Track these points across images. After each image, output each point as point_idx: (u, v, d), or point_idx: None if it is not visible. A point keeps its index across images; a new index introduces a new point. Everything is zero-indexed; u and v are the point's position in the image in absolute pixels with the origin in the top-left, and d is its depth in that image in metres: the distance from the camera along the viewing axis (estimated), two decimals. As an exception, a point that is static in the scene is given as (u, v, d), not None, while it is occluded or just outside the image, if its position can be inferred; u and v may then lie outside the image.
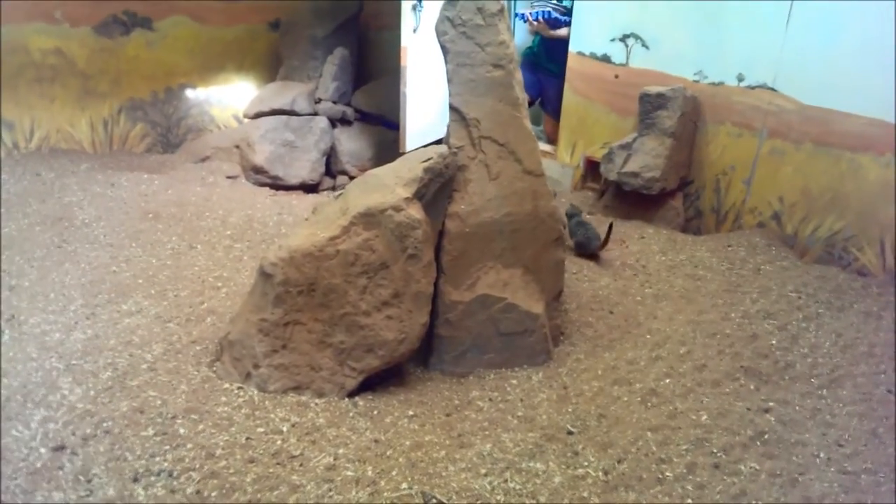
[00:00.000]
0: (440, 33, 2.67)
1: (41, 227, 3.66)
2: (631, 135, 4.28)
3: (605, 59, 4.59)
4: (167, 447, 2.14)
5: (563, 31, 4.82)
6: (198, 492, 1.99)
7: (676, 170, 4.20)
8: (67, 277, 3.17)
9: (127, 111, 5.15)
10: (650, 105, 4.13)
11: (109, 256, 3.41)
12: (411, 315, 2.50)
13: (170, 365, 2.59)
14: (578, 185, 4.94)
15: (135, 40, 5.07)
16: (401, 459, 2.20)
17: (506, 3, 4.22)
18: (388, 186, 2.50)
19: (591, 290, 3.35)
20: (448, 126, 2.73)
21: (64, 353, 2.58)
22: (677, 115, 4.06)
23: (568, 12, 4.77)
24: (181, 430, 2.23)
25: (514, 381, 2.68)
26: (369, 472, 2.13)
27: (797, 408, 2.49)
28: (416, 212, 2.46)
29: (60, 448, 2.11)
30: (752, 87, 3.93)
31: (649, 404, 2.50)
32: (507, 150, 2.69)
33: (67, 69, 4.82)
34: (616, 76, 4.57)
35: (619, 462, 2.19)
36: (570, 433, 2.36)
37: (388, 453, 2.22)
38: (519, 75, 2.76)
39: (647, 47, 4.38)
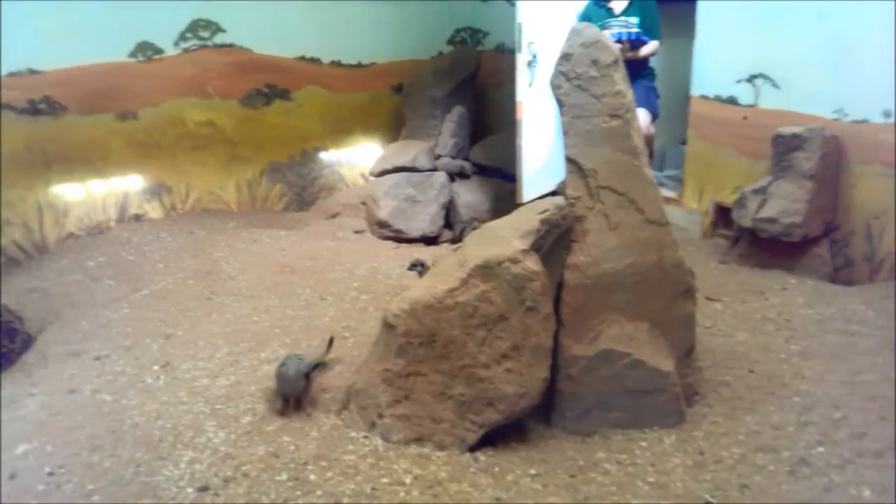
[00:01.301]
0: (555, 87, 2.71)
1: (193, 280, 4.05)
2: (765, 178, 4.03)
3: (732, 101, 4.41)
4: (299, 493, 2.24)
5: (646, 50, 4.57)
6: (325, 539, 2.05)
7: (820, 215, 3.88)
8: (214, 327, 3.46)
9: (268, 173, 5.63)
10: (785, 146, 3.88)
11: (251, 307, 3.69)
12: (531, 369, 2.47)
13: (302, 412, 2.72)
14: (709, 233, 4.70)
15: (275, 109, 5.58)
16: (523, 520, 2.14)
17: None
18: (504, 238, 2.52)
19: (728, 347, 3.13)
20: (565, 177, 2.72)
21: (210, 398, 2.80)
22: (817, 155, 3.78)
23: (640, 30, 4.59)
24: (311, 477, 2.31)
25: (644, 444, 2.54)
26: (490, 531, 2.08)
27: (982, 486, 2.14)
28: (532, 263, 2.45)
29: (205, 489, 2.26)
30: (903, 124, 3.59)
31: (799, 475, 2.26)
32: (627, 199, 2.63)
33: (217, 137, 5.38)
34: (745, 118, 4.36)
35: (764, 538, 1.98)
36: (708, 503, 2.18)
37: (509, 512, 2.17)
38: (636, 124, 2.72)
39: (777, 87, 4.15)
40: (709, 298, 3.62)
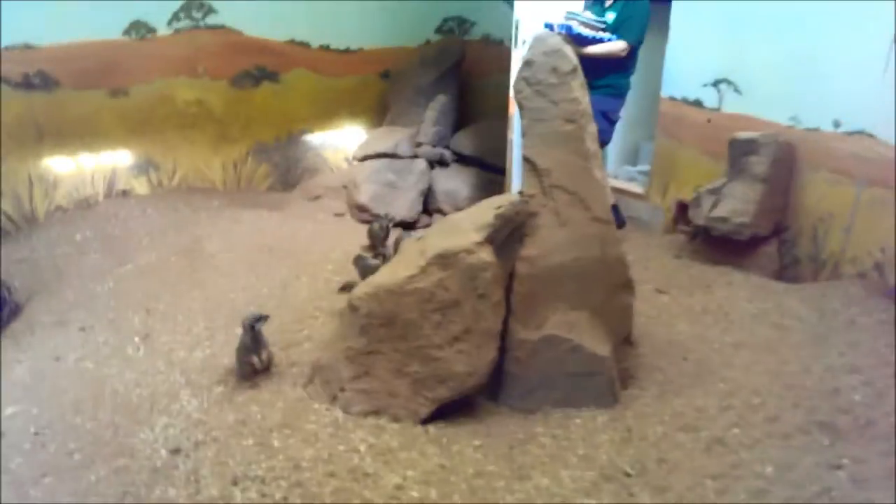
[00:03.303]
0: (517, 92, 2.91)
1: (176, 256, 4.25)
2: (720, 179, 4.26)
3: (697, 103, 4.62)
4: (262, 456, 2.48)
5: (593, 50, 4.19)
6: (284, 498, 2.29)
7: (770, 215, 4.12)
8: (194, 303, 3.67)
9: (253, 154, 5.80)
10: (740, 150, 4.11)
11: (229, 284, 3.90)
12: (480, 350, 2.71)
13: (271, 384, 2.95)
14: (670, 228, 4.94)
15: (263, 91, 5.73)
16: (463, 486, 2.39)
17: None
18: (462, 231, 2.74)
19: (667, 336, 3.38)
20: (522, 175, 2.94)
21: (186, 369, 3.03)
22: (769, 160, 4.01)
23: (605, 29, 4.26)
24: (275, 443, 2.55)
25: (579, 421, 2.79)
26: (433, 495, 2.33)
27: (872, 467, 2.40)
28: (486, 255, 2.68)
29: (176, 451, 2.50)
30: (850, 133, 3.82)
31: (713, 453, 2.52)
32: (577, 198, 2.85)
33: (206, 117, 5.53)
34: (708, 120, 4.57)
35: (671, 506, 2.24)
36: (627, 475, 2.44)
37: (451, 479, 2.42)
38: (592, 128, 2.93)
39: (739, 92, 4.37)
40: (658, 291, 3.86)
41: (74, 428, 2.64)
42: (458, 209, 4.94)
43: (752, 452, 2.51)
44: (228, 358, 3.09)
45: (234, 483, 2.34)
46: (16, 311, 3.96)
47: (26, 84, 4.73)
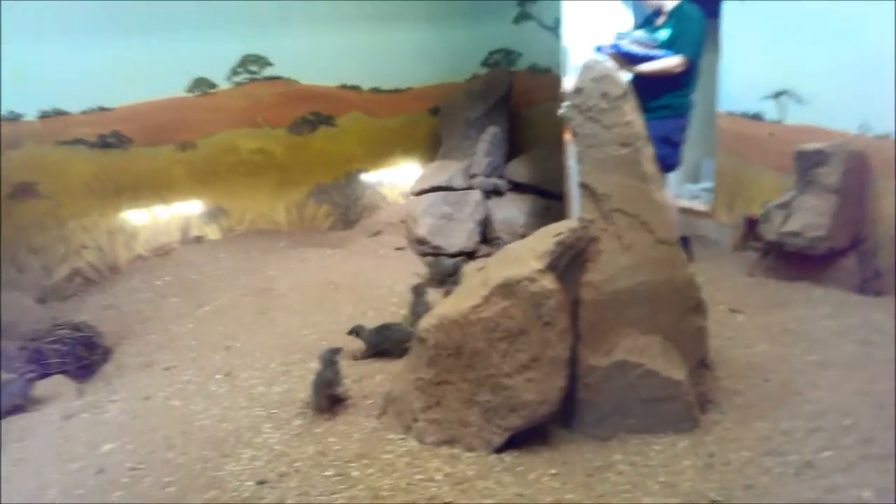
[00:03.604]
0: (568, 119, 2.95)
1: (249, 296, 4.44)
2: (788, 193, 4.14)
3: (757, 117, 4.53)
4: (343, 486, 2.53)
5: (647, 68, 4.11)
6: (366, 528, 2.33)
7: (846, 228, 3.97)
8: (269, 339, 3.81)
9: (315, 195, 6.02)
10: (808, 162, 4.00)
11: (300, 322, 4.04)
12: (549, 378, 2.70)
13: (347, 416, 3.03)
14: (739, 245, 4.82)
15: (320, 135, 5.98)
16: (541, 514, 2.36)
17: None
18: (523, 259, 2.77)
19: (746, 357, 3.28)
20: (580, 201, 2.95)
21: (266, 403, 3.15)
22: (840, 170, 3.88)
23: (659, 46, 4.18)
24: (354, 473, 2.61)
25: (658, 447, 2.72)
26: (512, 524, 2.32)
27: (981, 491, 2.25)
28: (549, 282, 2.69)
29: (262, 482, 2.59)
30: (924, 137, 3.66)
31: (804, 477, 2.40)
32: (639, 221, 2.84)
33: (268, 163, 5.80)
34: (771, 134, 4.47)
35: (762, 533, 2.16)
36: (714, 502, 2.36)
37: (529, 508, 2.40)
38: (648, 151, 2.92)
39: (801, 102, 4.27)
40: (732, 311, 3.76)
41: (167, 462, 2.76)
42: (517, 236, 4.99)
43: (848, 476, 2.38)
44: (304, 392, 3.18)
45: (317, 514, 2.40)
46: (106, 354, 4.21)
47: (102, 143, 5.09)
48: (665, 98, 4.16)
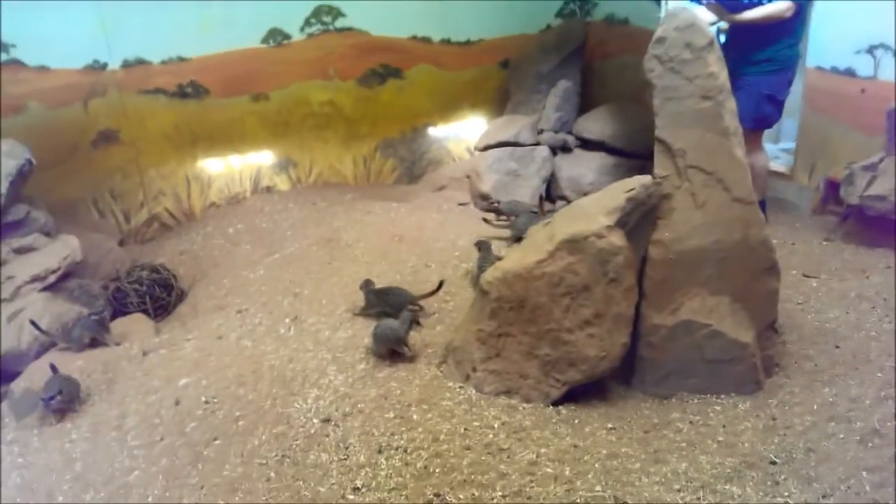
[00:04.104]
0: (647, 70, 2.84)
1: (317, 246, 4.56)
2: (877, 154, 3.89)
3: (849, 72, 4.24)
4: (403, 428, 2.63)
5: (751, 15, 3.66)
6: (425, 467, 2.42)
7: (936, 192, 3.71)
8: (335, 288, 3.93)
9: (381, 149, 6.07)
10: (901, 121, 3.73)
11: (365, 271, 4.12)
12: (611, 335, 2.69)
13: (408, 363, 3.12)
14: (818, 209, 4.59)
15: (388, 88, 5.97)
16: (597, 465, 2.40)
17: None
18: (591, 215, 2.73)
19: (817, 323, 3.17)
20: (654, 156, 2.87)
21: (331, 347, 3.27)
22: (936, 130, 3.61)
23: None
24: (414, 416, 2.70)
25: (718, 408, 2.70)
26: (567, 472, 2.36)
27: None
28: (617, 239, 2.65)
29: (327, 420, 2.72)
30: None
31: (869, 445, 2.34)
32: (715, 178, 2.74)
33: (337, 116, 5.86)
34: (862, 90, 4.19)
35: (823, 497, 2.12)
36: (773, 463, 2.33)
37: (585, 458, 2.44)
38: (731, 104, 2.79)
39: (899, 57, 3.96)
40: (806, 276, 3.61)
41: (238, 398, 2.93)
42: (583, 195, 4.89)
43: (917, 447, 2.30)
44: (368, 338, 3.28)
45: (380, 451, 2.51)
46: (181, 296, 4.46)
47: (181, 93, 5.26)
48: (771, 50, 3.75)
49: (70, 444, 2.80)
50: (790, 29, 3.75)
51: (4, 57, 4.63)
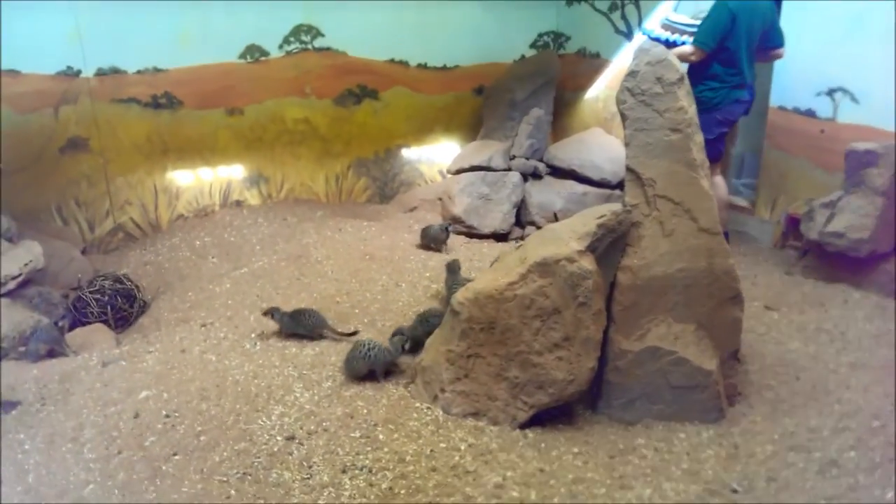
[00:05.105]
0: (620, 102, 2.92)
1: (286, 262, 4.52)
2: (836, 192, 4.05)
3: (810, 113, 4.43)
4: (369, 448, 2.60)
5: (681, 51, 3.97)
6: (390, 488, 2.39)
7: (890, 231, 3.87)
8: (304, 304, 3.88)
9: (354, 168, 6.08)
10: (858, 162, 3.90)
11: (335, 289, 4.11)
12: (580, 358, 2.72)
13: (375, 382, 3.09)
14: (779, 243, 4.74)
15: (364, 109, 6.01)
16: (562, 490, 2.40)
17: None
18: (562, 239, 2.78)
19: (778, 353, 3.25)
20: (625, 185, 2.94)
21: (298, 364, 3.23)
22: (889, 172, 3.78)
23: (691, 31, 4.08)
24: (381, 436, 2.67)
25: (682, 435, 2.73)
26: (532, 496, 2.36)
27: None
28: (587, 263, 2.69)
29: (291, 438, 2.67)
30: (983, 143, 3.54)
31: (827, 475, 2.40)
32: (683, 208, 2.82)
33: (312, 134, 5.86)
34: (822, 131, 4.37)
35: (782, 525, 2.16)
36: (734, 491, 2.36)
37: (551, 482, 2.44)
38: (698, 138, 2.89)
39: (856, 101, 4.15)
40: (767, 307, 3.72)
41: (200, 413, 2.86)
42: (552, 222, 4.97)
43: (872, 476, 2.37)
44: (335, 355, 3.25)
45: (344, 471, 2.47)
46: (144, 308, 4.35)
47: (154, 104, 5.20)
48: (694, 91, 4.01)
49: (23, 454, 2.69)
50: (710, 73, 4.07)
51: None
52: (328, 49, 5.71)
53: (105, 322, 4.11)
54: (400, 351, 3.18)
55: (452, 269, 3.84)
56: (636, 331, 2.84)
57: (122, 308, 4.23)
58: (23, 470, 2.59)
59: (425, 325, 3.33)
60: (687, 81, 2.92)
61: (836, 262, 4.01)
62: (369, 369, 3.08)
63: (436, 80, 6.19)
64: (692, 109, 2.89)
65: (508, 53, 6.38)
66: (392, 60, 5.99)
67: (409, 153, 6.29)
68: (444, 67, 6.21)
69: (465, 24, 6.12)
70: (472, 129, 6.33)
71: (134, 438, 2.74)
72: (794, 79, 4.51)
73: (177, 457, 2.60)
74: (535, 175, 5.69)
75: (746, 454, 2.56)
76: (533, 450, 2.64)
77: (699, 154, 2.87)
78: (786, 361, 3.16)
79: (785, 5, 4.49)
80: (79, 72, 4.87)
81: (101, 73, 4.95)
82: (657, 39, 4.12)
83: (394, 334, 3.26)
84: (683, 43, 4.13)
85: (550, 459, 2.58)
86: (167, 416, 2.87)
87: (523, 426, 2.78)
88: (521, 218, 5.57)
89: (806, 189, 4.45)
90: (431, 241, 4.89)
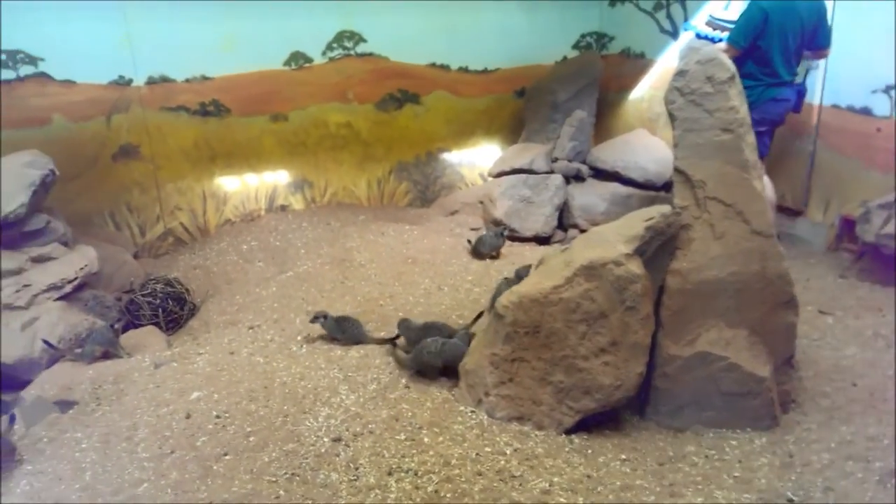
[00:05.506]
0: (668, 102, 2.87)
1: (330, 265, 4.58)
2: (893, 193, 3.90)
3: (865, 111, 4.27)
4: (414, 451, 2.61)
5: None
6: (436, 492, 2.39)
7: (953, 233, 3.71)
8: (347, 307, 3.93)
9: (396, 172, 6.13)
10: (918, 161, 3.75)
11: (378, 292, 4.14)
12: (627, 364, 2.67)
13: (420, 385, 3.10)
14: (833, 246, 4.58)
15: (405, 113, 6.05)
16: (611, 497, 2.36)
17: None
18: (609, 242, 2.74)
19: (833, 359, 3.14)
20: (674, 187, 2.88)
21: (343, 367, 3.26)
22: (954, 171, 3.62)
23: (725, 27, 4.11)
24: (425, 439, 2.68)
25: (734, 442, 2.66)
26: (580, 503, 2.33)
27: None
28: (635, 267, 2.65)
29: (338, 439, 2.70)
30: None
31: (888, 485, 2.30)
32: (734, 210, 2.75)
33: (354, 138, 5.93)
34: (878, 129, 4.21)
35: (843, 538, 2.08)
36: (790, 501, 2.29)
37: (598, 489, 2.40)
38: (750, 138, 2.81)
39: (917, 98, 3.99)
40: (821, 312, 3.60)
41: (249, 414, 2.92)
42: (594, 224, 4.91)
43: (939, 490, 2.27)
44: (381, 358, 3.27)
45: (390, 473, 2.48)
46: (193, 311, 4.46)
47: (202, 111, 5.34)
48: None
49: (80, 453, 2.79)
50: (745, 72, 3.82)
51: (32, 70, 4.74)
52: (370, 54, 5.77)
53: (157, 324, 4.23)
54: (468, 343, 3.17)
55: (521, 276, 3.80)
56: (685, 336, 2.78)
57: (172, 311, 4.35)
58: (80, 468, 2.68)
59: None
60: (738, 80, 2.85)
61: (893, 265, 3.86)
62: (444, 364, 3.11)
63: (476, 83, 6.19)
64: (744, 109, 2.82)
65: (550, 55, 6.34)
66: (433, 64, 6.02)
67: (450, 157, 6.31)
68: (485, 70, 6.21)
69: (506, 26, 6.11)
70: (513, 131, 6.31)
71: (186, 438, 2.81)
72: (848, 76, 4.35)
73: (227, 457, 2.66)
74: (578, 177, 5.64)
75: (801, 463, 2.48)
76: (579, 456, 2.61)
77: (751, 155, 2.80)
78: (841, 368, 3.05)
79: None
80: (130, 81, 5.04)
81: (151, 82, 5.11)
82: (703, 37, 4.10)
83: (399, 325, 3.36)
84: (717, 40, 4.11)
85: (597, 466, 2.55)
86: (217, 416, 2.93)
87: (569, 431, 2.76)
88: (564, 221, 5.53)
89: (861, 190, 4.28)
90: (491, 249, 4.78)
